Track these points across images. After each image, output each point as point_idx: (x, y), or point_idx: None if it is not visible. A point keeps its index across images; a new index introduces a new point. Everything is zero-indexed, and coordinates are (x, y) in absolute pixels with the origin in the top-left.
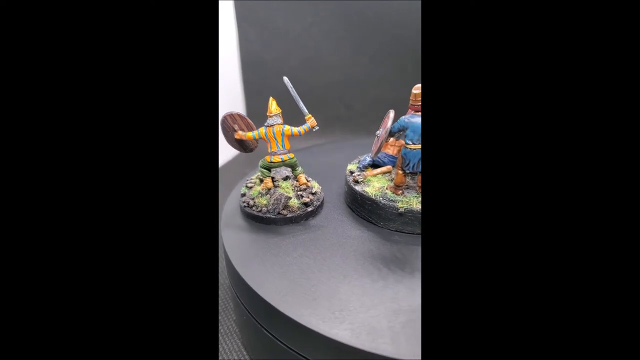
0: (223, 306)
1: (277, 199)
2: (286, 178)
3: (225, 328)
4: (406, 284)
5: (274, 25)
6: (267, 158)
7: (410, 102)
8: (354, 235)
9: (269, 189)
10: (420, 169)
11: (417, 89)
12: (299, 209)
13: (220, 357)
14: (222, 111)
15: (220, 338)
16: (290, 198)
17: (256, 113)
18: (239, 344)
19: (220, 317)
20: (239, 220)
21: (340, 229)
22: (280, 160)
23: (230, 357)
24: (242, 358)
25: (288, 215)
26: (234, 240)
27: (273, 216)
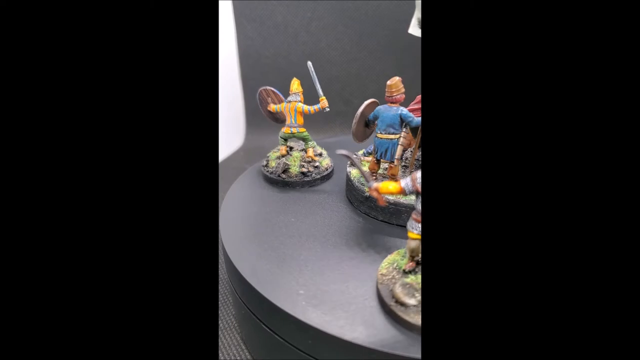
0: (222, 301)
1: (278, 164)
2: (302, 150)
3: (225, 323)
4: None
5: (273, 21)
6: (282, 129)
7: (386, 94)
8: (328, 207)
9: (282, 155)
10: (388, 158)
11: (391, 80)
12: (296, 177)
13: (220, 353)
14: (222, 109)
15: (219, 333)
16: (288, 165)
17: (255, 108)
18: (238, 338)
19: (219, 312)
20: (256, 175)
21: (321, 201)
22: (290, 132)
23: (229, 352)
24: (241, 353)
25: (286, 179)
26: (237, 184)
27: (275, 177)
